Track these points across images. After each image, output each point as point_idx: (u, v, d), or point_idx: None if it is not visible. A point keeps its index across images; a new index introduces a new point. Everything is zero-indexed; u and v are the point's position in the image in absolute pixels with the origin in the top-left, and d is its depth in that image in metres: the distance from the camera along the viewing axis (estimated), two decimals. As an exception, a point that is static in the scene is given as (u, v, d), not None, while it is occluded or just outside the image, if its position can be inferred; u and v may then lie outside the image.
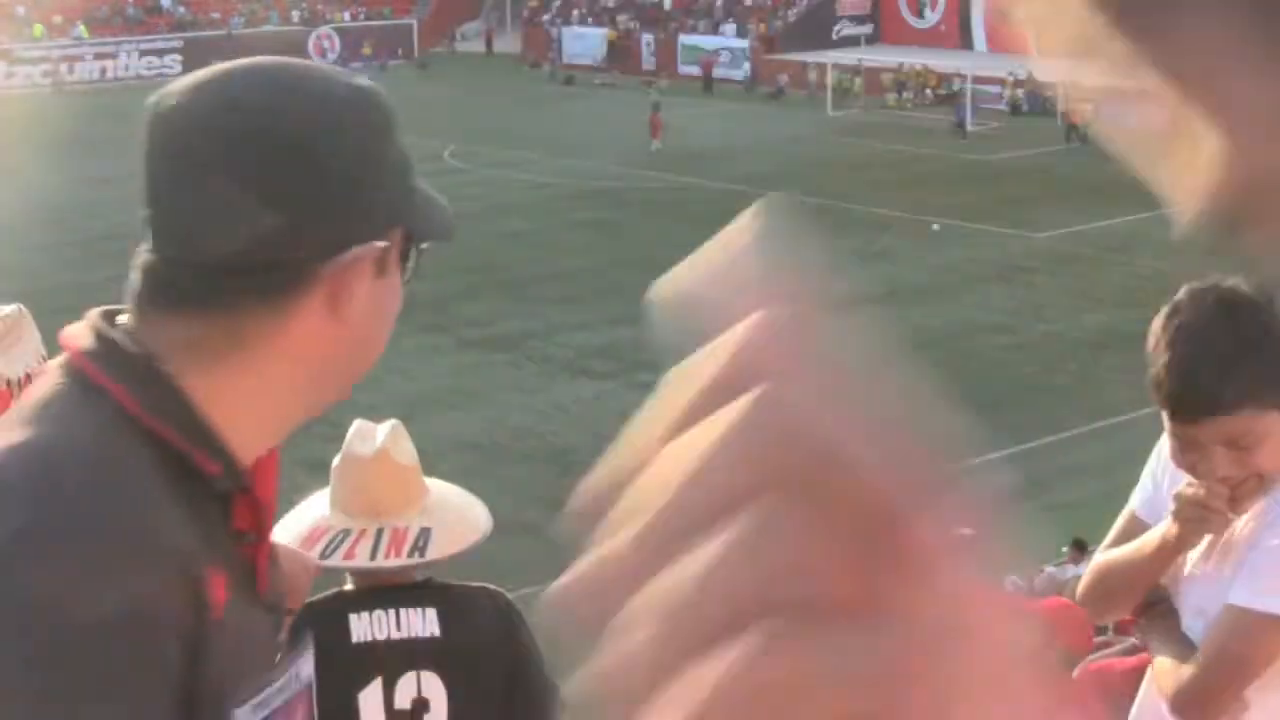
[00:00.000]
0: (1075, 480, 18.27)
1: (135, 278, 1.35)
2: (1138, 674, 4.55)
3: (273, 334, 1.33)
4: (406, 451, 2.90)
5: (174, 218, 1.33)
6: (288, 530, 2.66)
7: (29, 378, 1.96)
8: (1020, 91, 46.84)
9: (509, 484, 16.02)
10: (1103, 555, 2.54)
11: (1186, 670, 2.32)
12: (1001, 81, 47.47)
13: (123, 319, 1.36)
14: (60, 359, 1.36)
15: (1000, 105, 46.78)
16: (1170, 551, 2.38)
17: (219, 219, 1.31)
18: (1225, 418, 2.23)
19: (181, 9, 61.05)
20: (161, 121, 1.34)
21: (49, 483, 1.23)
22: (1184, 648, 2.37)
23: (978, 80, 46.87)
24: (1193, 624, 2.38)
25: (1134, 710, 2.55)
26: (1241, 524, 2.33)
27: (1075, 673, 5.34)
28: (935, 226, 30.18)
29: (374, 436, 2.89)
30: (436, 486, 2.96)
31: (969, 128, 43.29)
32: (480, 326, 24.18)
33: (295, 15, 62.25)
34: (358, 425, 2.91)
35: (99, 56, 57.04)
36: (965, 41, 54.94)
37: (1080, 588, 2.59)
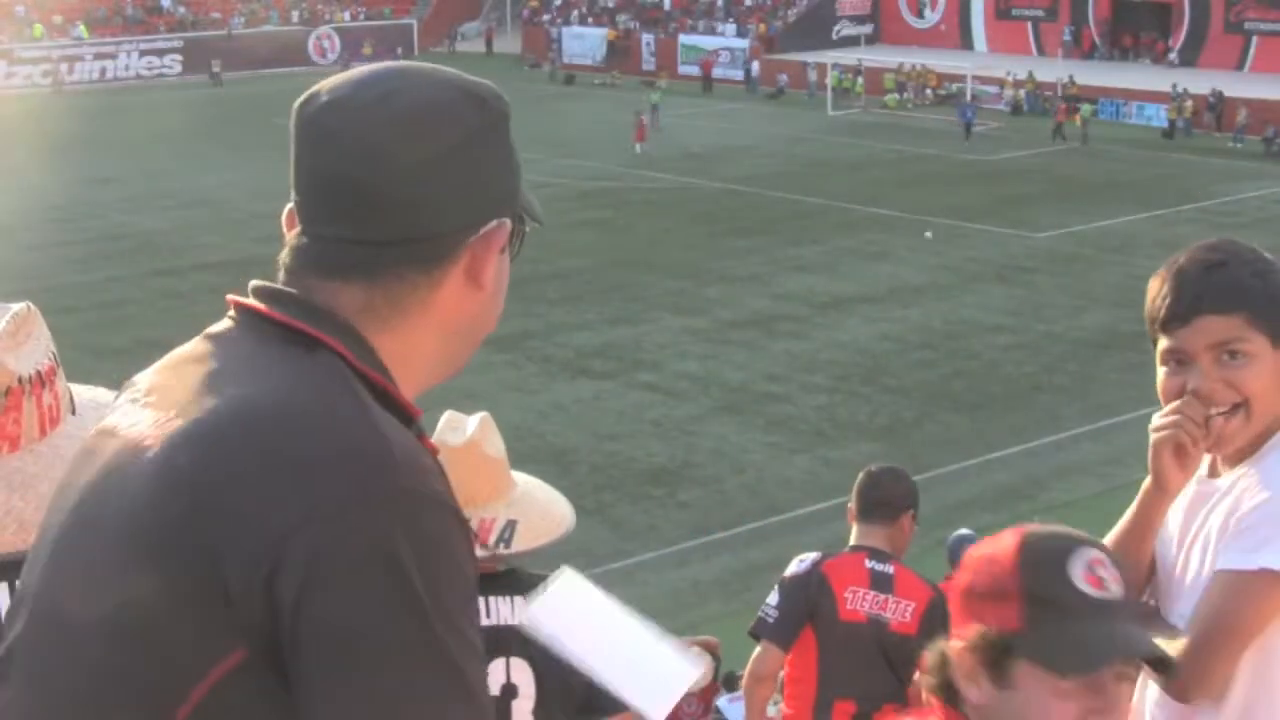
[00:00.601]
0: (1075, 480, 18.27)
1: (293, 255, 1.47)
2: None
3: (426, 301, 1.47)
4: (495, 444, 2.93)
5: (340, 201, 1.44)
6: None
7: (39, 375, 1.95)
8: (1022, 92, 46.85)
9: (509, 484, 16.01)
10: None
11: (1179, 644, 2.30)
12: (1001, 82, 47.47)
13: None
14: (234, 322, 1.47)
15: (1000, 105, 46.78)
16: (1150, 502, 2.35)
17: (387, 201, 1.43)
18: (1217, 317, 2.24)
19: (181, 9, 61.02)
20: (321, 115, 1.46)
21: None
22: (1172, 630, 2.35)
23: (977, 80, 46.87)
24: (1184, 610, 2.34)
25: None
26: (1229, 500, 2.32)
27: None
28: (928, 234, 30.00)
29: (464, 427, 2.92)
30: (522, 480, 3.00)
31: (974, 128, 43.28)
32: (480, 326, 24.20)
33: (295, 15, 62.21)
34: (448, 416, 2.94)
35: (99, 56, 57.03)
36: (965, 41, 54.94)
37: None
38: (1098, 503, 16.75)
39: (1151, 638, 1.87)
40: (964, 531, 8.51)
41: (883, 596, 5.08)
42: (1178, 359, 2.30)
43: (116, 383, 1.68)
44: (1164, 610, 2.41)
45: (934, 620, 5.20)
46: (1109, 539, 2.45)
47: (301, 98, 1.49)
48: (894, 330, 24.28)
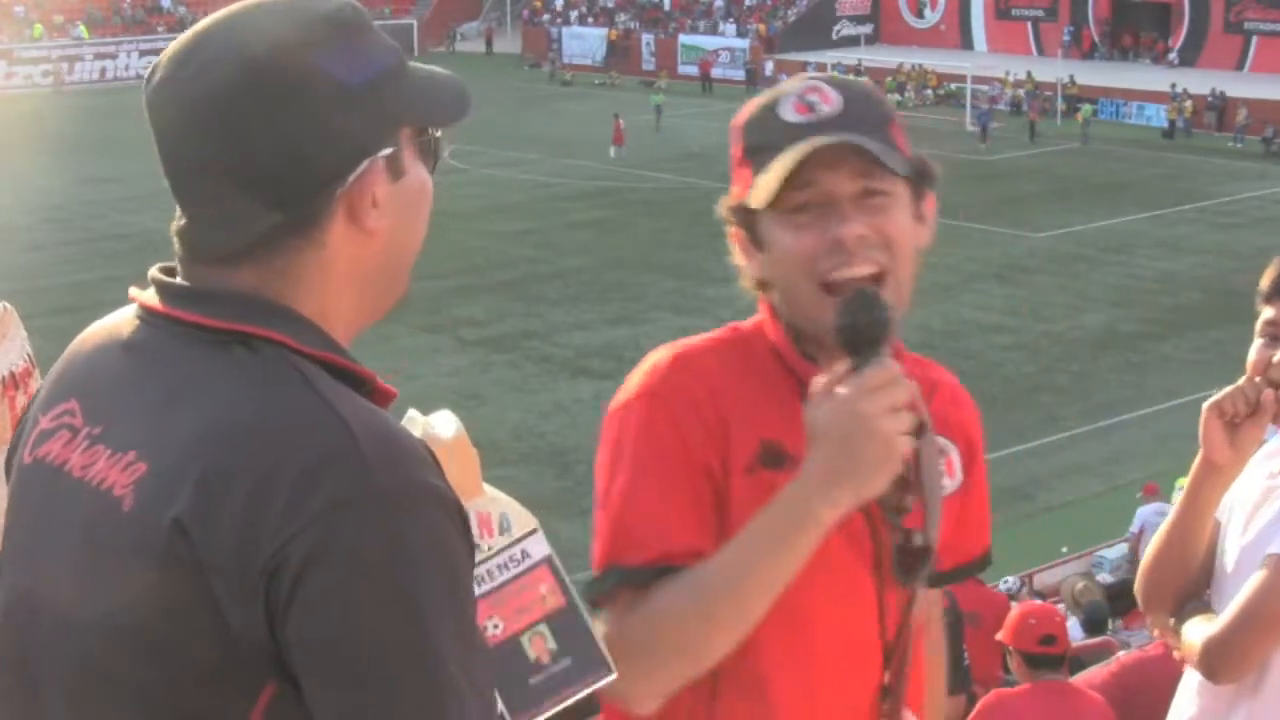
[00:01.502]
0: (1075, 480, 18.26)
1: (180, 243, 1.42)
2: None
3: (319, 261, 1.39)
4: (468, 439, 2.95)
5: (193, 184, 1.39)
6: None
7: (13, 376, 1.94)
8: (1021, 91, 46.83)
9: (508, 484, 15.81)
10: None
11: (1216, 624, 2.29)
12: (1001, 82, 47.44)
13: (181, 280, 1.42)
14: (150, 325, 1.40)
15: (1001, 105, 46.75)
16: (1200, 476, 2.36)
17: (230, 180, 1.36)
18: None
19: (181, 9, 61.02)
20: (153, 99, 1.39)
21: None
22: (1210, 611, 2.35)
23: (977, 80, 46.83)
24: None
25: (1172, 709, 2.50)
26: None
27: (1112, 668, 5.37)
28: None
29: (445, 422, 2.92)
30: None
31: (969, 127, 43.20)
32: (480, 326, 24.17)
33: (295, 15, 62.23)
34: (413, 414, 2.93)
35: (99, 56, 57.03)
36: (965, 41, 54.92)
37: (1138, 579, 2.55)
38: (1098, 503, 16.73)
39: (868, 137, 1.76)
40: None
41: None
42: (1273, 333, 2.33)
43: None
44: (1218, 602, 2.40)
45: (942, 629, 5.18)
46: (1166, 522, 2.45)
47: (146, 74, 1.42)
48: (894, 330, 24.26)
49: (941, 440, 1.95)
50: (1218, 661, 2.28)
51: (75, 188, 35.68)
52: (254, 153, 1.35)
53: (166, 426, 1.32)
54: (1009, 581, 12.38)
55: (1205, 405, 2.32)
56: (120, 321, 1.46)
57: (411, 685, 1.26)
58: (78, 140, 41.93)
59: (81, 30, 57.62)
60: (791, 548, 1.68)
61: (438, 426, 2.88)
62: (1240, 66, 48.41)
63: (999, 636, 5.55)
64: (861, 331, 1.70)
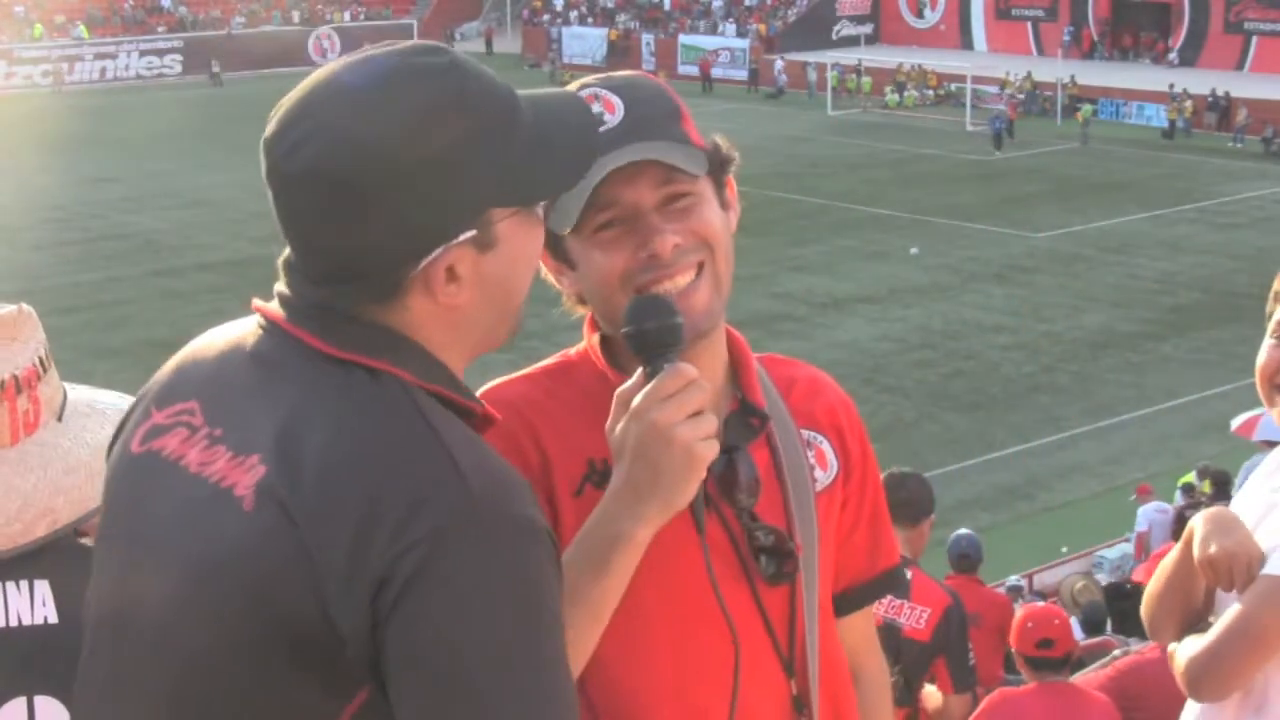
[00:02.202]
0: (1074, 480, 18.25)
1: (285, 277, 1.47)
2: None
3: (401, 322, 1.43)
4: None
5: (290, 239, 1.44)
6: None
7: (15, 380, 1.93)
8: (1017, 91, 46.83)
9: (509, 484, 15.94)
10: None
11: (1203, 640, 2.27)
12: (1001, 82, 47.45)
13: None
14: (273, 337, 1.45)
15: (1000, 105, 46.74)
16: (1189, 563, 2.34)
17: (309, 245, 1.42)
18: None
19: (182, 9, 61.02)
20: (263, 150, 1.42)
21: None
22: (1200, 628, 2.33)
23: (980, 81, 46.82)
24: None
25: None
26: None
27: (1108, 670, 5.37)
28: (914, 250, 29.41)
29: None
30: None
31: (969, 128, 43.22)
32: (480, 326, 24.08)
33: (295, 15, 62.20)
34: None
35: (99, 56, 57.00)
36: (965, 41, 54.92)
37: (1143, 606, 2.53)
38: (1098, 503, 16.73)
39: (660, 139, 1.72)
40: (964, 531, 8.52)
41: (898, 601, 5.05)
42: None
43: (115, 383, 1.65)
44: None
45: (948, 628, 5.18)
46: (1167, 560, 2.41)
47: (270, 115, 1.46)
48: (894, 330, 24.27)
49: (807, 433, 1.92)
50: (1199, 676, 2.25)
51: (75, 188, 35.66)
52: (320, 236, 1.40)
53: (291, 438, 1.37)
54: (1013, 580, 12.39)
55: (1197, 560, 2.28)
56: (245, 332, 1.49)
57: (500, 711, 1.29)
58: (78, 140, 41.91)
59: (81, 30, 57.60)
60: (609, 570, 1.63)
61: None
62: (1240, 66, 48.40)
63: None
64: (649, 337, 1.67)
